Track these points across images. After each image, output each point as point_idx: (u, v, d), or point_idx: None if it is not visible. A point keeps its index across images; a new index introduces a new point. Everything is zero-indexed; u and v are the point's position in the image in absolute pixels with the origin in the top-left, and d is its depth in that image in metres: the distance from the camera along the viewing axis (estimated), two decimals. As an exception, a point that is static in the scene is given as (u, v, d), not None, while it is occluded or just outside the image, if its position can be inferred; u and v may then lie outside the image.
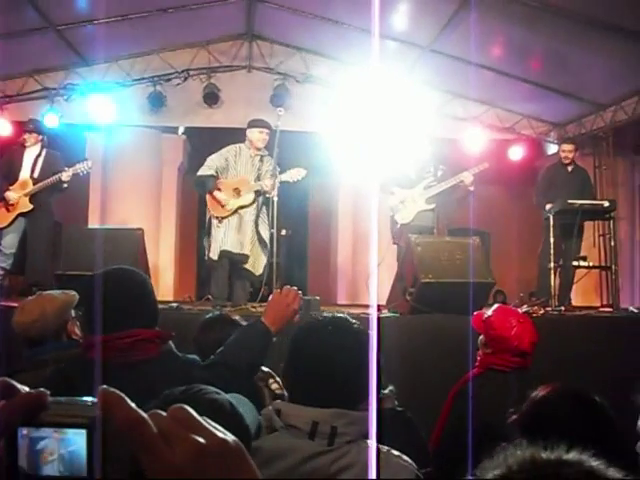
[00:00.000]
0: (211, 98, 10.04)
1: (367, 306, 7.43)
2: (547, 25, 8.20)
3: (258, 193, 6.94)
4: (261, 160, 7.03)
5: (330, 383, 1.85)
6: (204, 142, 9.48)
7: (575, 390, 2.34)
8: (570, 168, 8.47)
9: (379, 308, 6.04)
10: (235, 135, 7.47)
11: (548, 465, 0.93)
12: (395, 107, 9.47)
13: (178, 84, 10.03)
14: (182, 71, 9.98)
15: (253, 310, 5.97)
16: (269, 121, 7.10)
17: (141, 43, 9.66)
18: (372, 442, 1.65)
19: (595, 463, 0.96)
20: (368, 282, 8.40)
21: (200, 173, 7.11)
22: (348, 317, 2.04)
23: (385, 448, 1.85)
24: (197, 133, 10.83)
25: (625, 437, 2.33)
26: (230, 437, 0.73)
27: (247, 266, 6.86)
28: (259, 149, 7.02)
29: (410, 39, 9.11)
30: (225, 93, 10.17)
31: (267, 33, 10.05)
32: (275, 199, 6.89)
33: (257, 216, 6.96)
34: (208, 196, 7.01)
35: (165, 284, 10.48)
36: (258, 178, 6.96)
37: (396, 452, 1.87)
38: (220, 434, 0.72)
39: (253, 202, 6.93)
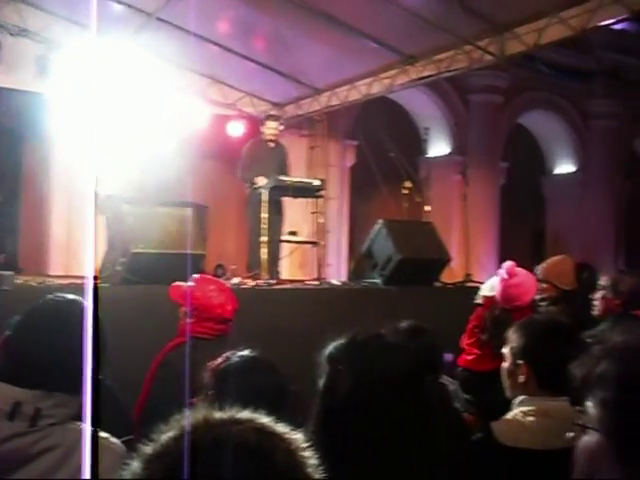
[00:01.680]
0: None
1: (81, 277, 7.18)
2: (273, 7, 8.48)
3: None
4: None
5: (42, 365, 1.81)
6: None
7: (256, 356, 2.52)
8: (272, 145, 8.61)
9: (94, 279, 5.85)
10: None
11: (220, 424, 0.99)
12: (117, 73, 9.19)
13: None
14: None
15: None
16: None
17: None
18: (86, 425, 1.61)
19: (266, 420, 1.04)
20: (80, 252, 8.11)
21: None
22: (67, 298, 1.99)
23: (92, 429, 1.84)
24: None
25: (302, 398, 2.51)
26: None
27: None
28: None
29: (137, 4, 8.88)
30: None
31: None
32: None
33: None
34: None
35: None
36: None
37: (104, 434, 1.86)
38: None
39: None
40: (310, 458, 1.03)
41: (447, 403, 2.67)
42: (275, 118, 8.89)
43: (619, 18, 7.81)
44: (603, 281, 4.00)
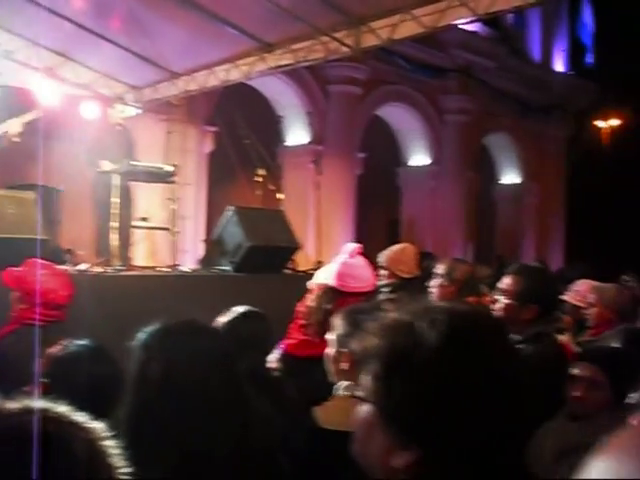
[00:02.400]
0: None
1: None
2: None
3: None
4: None
5: None
6: None
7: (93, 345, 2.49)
8: (119, 128, 8.36)
9: None
10: None
11: (12, 414, 0.99)
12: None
13: None
14: None
15: None
16: None
17: None
18: None
19: (64, 409, 1.03)
20: None
21: None
22: None
23: None
24: None
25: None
26: None
27: None
28: None
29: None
30: None
31: None
32: None
33: None
34: None
35: None
36: None
37: None
38: None
39: None
40: (112, 447, 1.03)
41: (274, 387, 2.72)
42: (123, 102, 8.68)
43: (465, 20, 8.18)
44: (439, 269, 4.18)
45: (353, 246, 3.94)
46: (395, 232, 16.50)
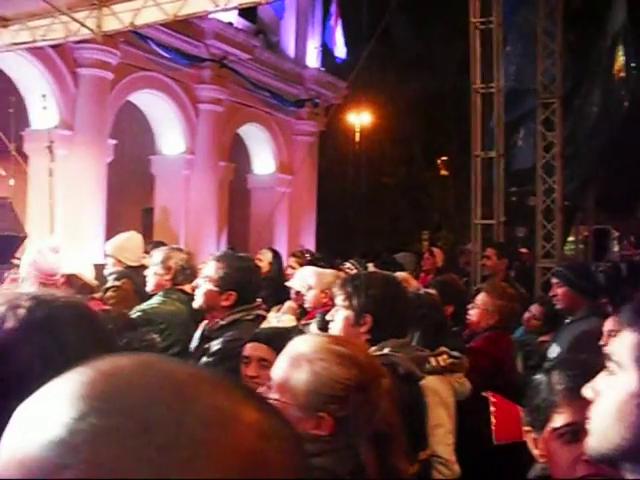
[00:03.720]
0: None
1: None
2: None
3: None
4: None
5: None
6: None
7: None
8: None
9: None
10: None
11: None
12: None
13: None
14: None
15: None
16: None
17: None
18: None
19: None
20: None
21: None
22: None
23: None
24: None
25: None
26: None
27: None
28: None
29: None
30: None
31: None
32: None
33: None
34: None
35: None
36: None
37: None
38: None
39: None
40: None
41: None
42: None
43: (207, 11, 8.27)
44: (155, 257, 4.22)
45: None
46: (150, 220, 16.29)
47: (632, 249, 45.93)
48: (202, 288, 3.36)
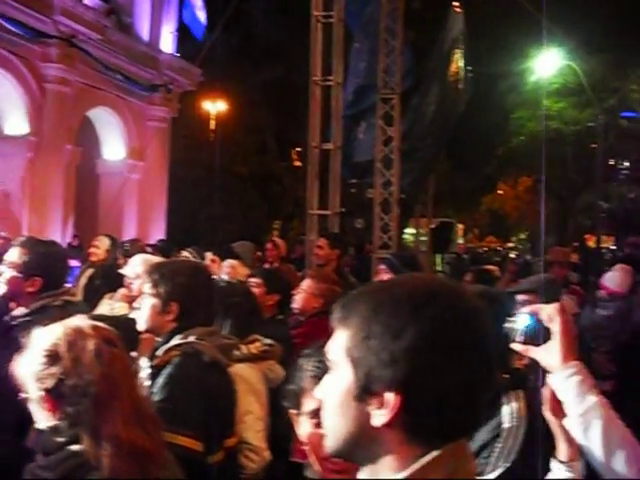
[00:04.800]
0: None
1: None
2: None
3: None
4: None
5: None
6: None
7: None
8: None
9: None
10: None
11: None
12: None
13: None
14: None
15: None
16: None
17: None
18: None
19: None
20: None
21: None
22: None
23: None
24: None
25: None
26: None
27: None
28: None
29: None
30: None
31: None
32: None
33: None
34: None
35: None
36: None
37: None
38: None
39: None
40: None
41: None
42: None
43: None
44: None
45: None
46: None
47: (476, 241, 48.51)
48: (5, 275, 3.26)
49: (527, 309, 1.81)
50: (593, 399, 1.68)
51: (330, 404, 1.25)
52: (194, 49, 20.02)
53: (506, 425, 2.40)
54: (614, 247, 30.67)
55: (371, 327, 1.19)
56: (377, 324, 1.18)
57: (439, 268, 15.45)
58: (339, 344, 1.23)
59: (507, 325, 1.82)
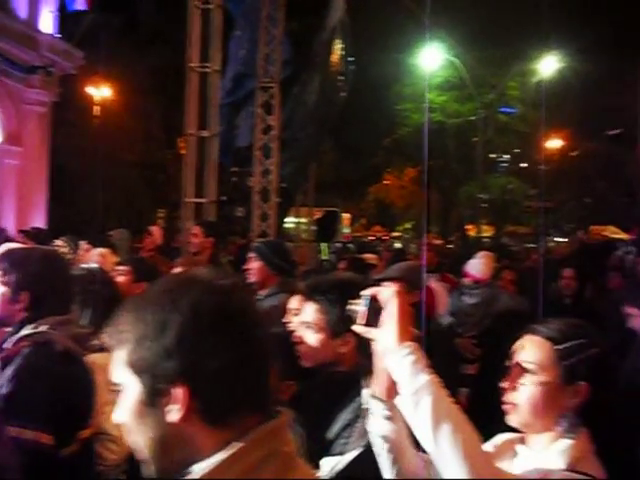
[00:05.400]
0: None
1: None
2: None
3: None
4: None
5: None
6: None
7: None
8: None
9: None
10: None
11: None
12: None
13: None
14: None
15: None
16: None
17: None
18: None
19: None
20: None
21: None
22: None
23: None
24: None
25: None
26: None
27: None
28: None
29: None
30: None
31: None
32: None
33: None
34: None
35: None
36: None
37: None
38: None
39: None
40: None
41: None
42: None
43: None
44: None
45: None
46: None
47: (363, 230, 49.36)
48: None
49: (368, 292, 1.88)
50: (425, 377, 1.74)
51: (129, 422, 1.28)
52: (77, 31, 19.37)
53: (365, 406, 2.48)
54: (494, 236, 31.99)
55: (140, 330, 1.22)
56: (144, 325, 1.22)
57: (325, 257, 15.63)
58: (119, 364, 1.27)
59: (350, 307, 1.90)
